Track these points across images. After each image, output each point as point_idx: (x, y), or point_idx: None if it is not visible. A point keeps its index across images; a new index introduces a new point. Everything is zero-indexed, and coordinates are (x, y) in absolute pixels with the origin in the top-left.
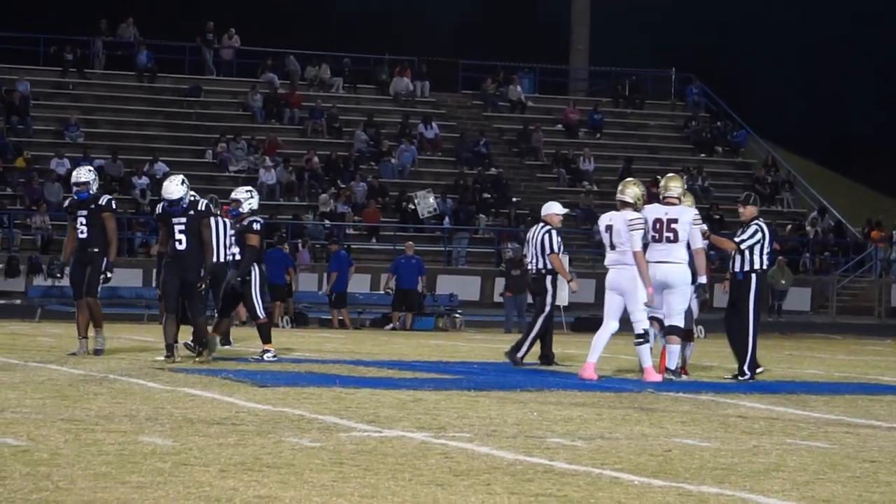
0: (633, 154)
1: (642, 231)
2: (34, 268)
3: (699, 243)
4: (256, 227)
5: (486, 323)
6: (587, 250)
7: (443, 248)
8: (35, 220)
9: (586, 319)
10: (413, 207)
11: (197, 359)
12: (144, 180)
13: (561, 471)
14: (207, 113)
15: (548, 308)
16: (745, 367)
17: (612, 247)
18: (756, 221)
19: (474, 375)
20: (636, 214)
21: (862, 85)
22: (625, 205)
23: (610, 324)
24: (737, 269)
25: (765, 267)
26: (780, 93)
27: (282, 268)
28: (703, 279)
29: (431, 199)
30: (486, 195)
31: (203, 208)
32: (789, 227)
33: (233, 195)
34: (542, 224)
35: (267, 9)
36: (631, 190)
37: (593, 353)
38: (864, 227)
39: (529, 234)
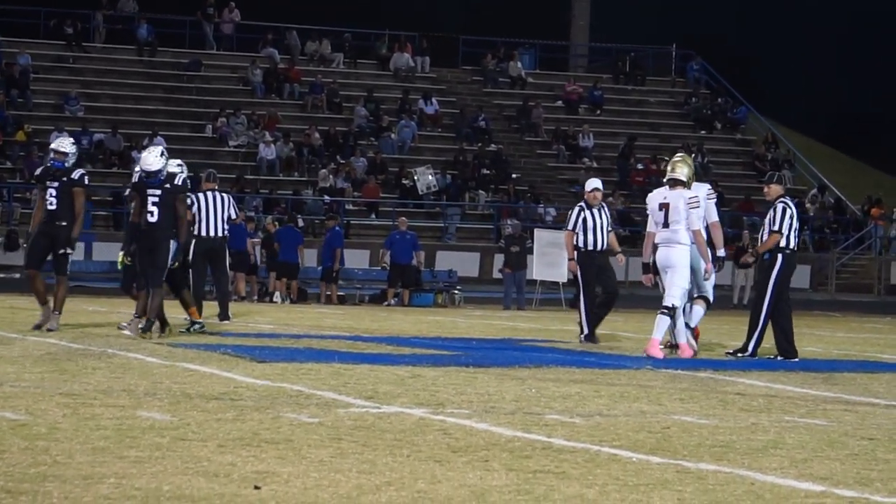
0: (633, 131)
1: (700, 208)
2: None
3: (714, 216)
4: (188, 201)
5: (484, 299)
6: None
7: (442, 224)
8: (35, 193)
9: None
10: (412, 183)
11: (140, 335)
12: None
13: (559, 447)
14: (207, 87)
15: (580, 285)
16: (751, 344)
17: (666, 224)
18: (782, 200)
19: (473, 352)
20: (693, 193)
21: (863, 62)
22: (677, 182)
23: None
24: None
25: (793, 246)
26: (781, 69)
27: (293, 245)
28: (721, 252)
29: (430, 176)
30: (486, 171)
31: (180, 183)
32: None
33: None
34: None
35: None
36: (683, 168)
37: (679, 334)
38: (864, 205)
39: None
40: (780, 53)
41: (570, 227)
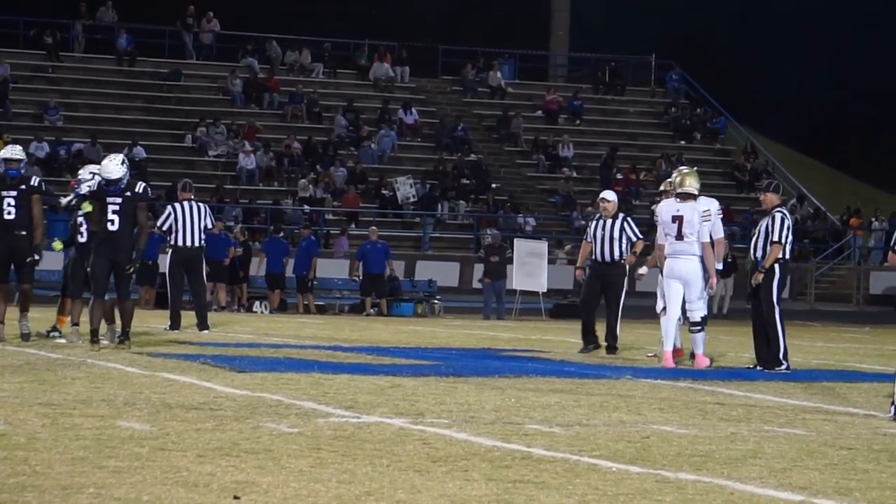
0: (613, 140)
1: (710, 222)
2: None
3: (720, 234)
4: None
5: (464, 309)
6: (566, 236)
7: (421, 234)
8: None
9: (565, 306)
10: (392, 193)
11: (118, 346)
12: None
13: (538, 457)
14: (187, 97)
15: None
16: (781, 357)
17: (680, 237)
18: (779, 210)
19: (452, 361)
20: (706, 206)
21: (843, 72)
22: (689, 195)
23: (674, 311)
24: (759, 255)
25: (787, 256)
26: (761, 80)
27: (281, 256)
28: (719, 266)
29: (410, 186)
30: (466, 181)
31: (141, 191)
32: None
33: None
34: None
35: None
36: (694, 181)
37: (668, 341)
38: (843, 215)
39: None
40: (760, 64)
41: (586, 236)
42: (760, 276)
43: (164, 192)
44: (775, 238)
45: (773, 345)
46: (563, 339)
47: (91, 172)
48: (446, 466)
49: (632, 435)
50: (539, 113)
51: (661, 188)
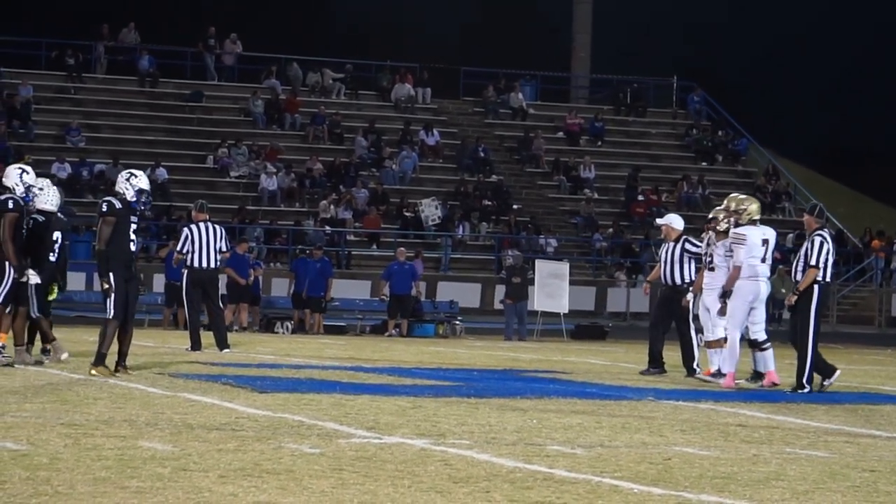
0: (635, 162)
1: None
2: None
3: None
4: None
5: (486, 330)
6: (587, 258)
7: (443, 255)
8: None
9: (586, 327)
10: (414, 214)
11: (124, 371)
12: None
13: (560, 479)
14: (209, 118)
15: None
16: (804, 381)
17: (765, 260)
18: (819, 232)
19: (474, 382)
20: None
21: (864, 93)
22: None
23: (736, 334)
24: (798, 278)
25: (828, 279)
26: (782, 101)
27: (322, 279)
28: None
29: (435, 207)
30: (487, 202)
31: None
32: (790, 235)
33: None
34: None
35: (268, 14)
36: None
37: (731, 363)
38: (865, 236)
39: None
40: (781, 85)
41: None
42: (794, 299)
43: (186, 214)
44: (812, 262)
45: (800, 366)
46: (585, 360)
47: (39, 188)
48: (468, 487)
49: (654, 456)
50: (560, 134)
51: (721, 216)
